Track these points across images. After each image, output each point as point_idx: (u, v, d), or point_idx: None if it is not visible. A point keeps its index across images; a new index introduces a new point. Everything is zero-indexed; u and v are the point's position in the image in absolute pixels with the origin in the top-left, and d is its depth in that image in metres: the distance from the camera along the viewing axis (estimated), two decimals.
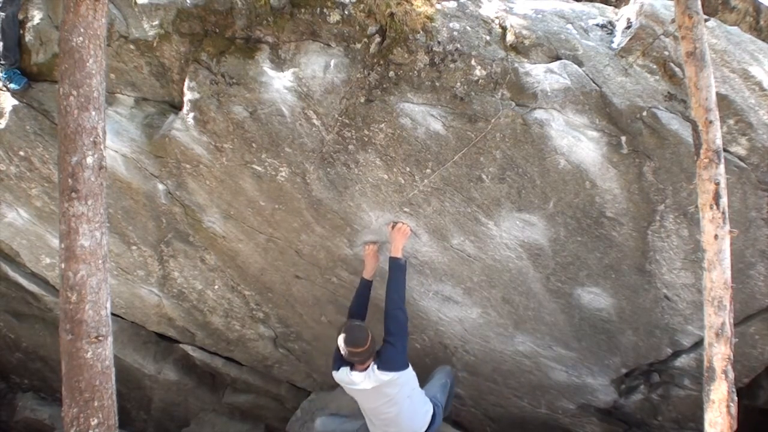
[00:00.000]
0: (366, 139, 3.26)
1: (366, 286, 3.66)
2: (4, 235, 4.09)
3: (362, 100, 3.15)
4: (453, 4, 3.12)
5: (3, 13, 3.36)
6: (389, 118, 3.17)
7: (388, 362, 3.31)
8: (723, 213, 2.72)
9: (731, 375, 2.68)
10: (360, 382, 3.34)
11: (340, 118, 3.22)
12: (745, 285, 3.49)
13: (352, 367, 3.36)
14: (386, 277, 3.52)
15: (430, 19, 3.05)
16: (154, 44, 3.28)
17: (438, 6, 3.09)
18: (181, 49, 3.27)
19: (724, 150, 2.91)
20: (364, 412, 3.59)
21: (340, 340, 3.28)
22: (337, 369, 3.44)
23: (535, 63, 3.10)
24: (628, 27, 3.11)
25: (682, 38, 2.78)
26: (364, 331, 3.28)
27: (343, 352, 3.30)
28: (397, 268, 3.48)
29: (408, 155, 3.28)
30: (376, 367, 3.30)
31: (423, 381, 3.84)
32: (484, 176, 3.31)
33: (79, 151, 2.25)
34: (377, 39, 3.06)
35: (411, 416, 3.48)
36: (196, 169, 3.56)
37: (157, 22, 3.23)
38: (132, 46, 3.31)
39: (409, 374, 3.47)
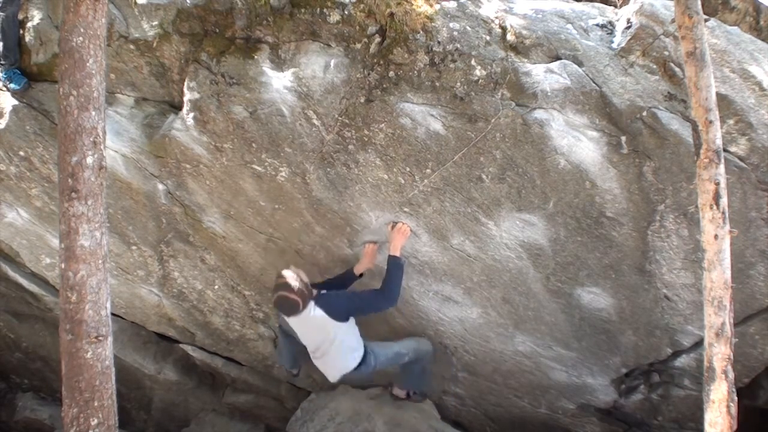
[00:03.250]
0: (366, 139, 3.26)
1: (351, 277, 3.67)
2: (4, 235, 4.09)
3: (362, 100, 3.15)
4: (453, 4, 3.12)
5: (3, 13, 3.36)
6: (389, 118, 3.17)
7: (329, 306, 3.42)
8: (723, 213, 2.72)
9: (731, 375, 2.69)
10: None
11: (340, 118, 3.22)
12: (745, 285, 3.49)
13: None
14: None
15: (430, 19, 3.05)
16: (154, 44, 3.28)
17: (438, 6, 3.09)
18: (181, 49, 3.27)
19: (724, 150, 2.91)
20: (300, 337, 3.68)
21: (276, 287, 3.37)
22: None
23: (535, 63, 3.10)
24: (628, 27, 3.11)
25: (682, 38, 2.78)
26: (294, 304, 3.35)
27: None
28: (396, 266, 3.48)
29: (408, 155, 3.28)
30: (313, 303, 3.40)
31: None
32: (484, 176, 3.31)
33: (79, 151, 2.25)
34: (377, 39, 3.06)
35: (335, 357, 3.59)
36: (196, 169, 3.55)
37: (157, 22, 3.23)
38: (132, 46, 3.31)
39: (344, 328, 3.51)
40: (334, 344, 3.52)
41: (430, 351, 4.04)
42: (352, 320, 3.58)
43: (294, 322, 3.53)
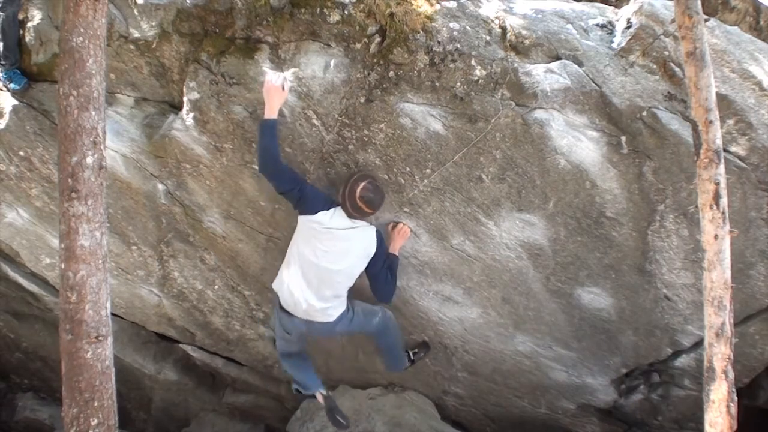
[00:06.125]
0: (366, 139, 3.26)
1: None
2: (4, 235, 4.09)
3: (362, 100, 3.15)
4: (453, 4, 3.12)
5: (3, 13, 3.36)
6: (389, 118, 3.17)
7: (381, 239, 3.32)
8: (723, 213, 2.72)
9: (731, 375, 2.69)
10: (339, 221, 3.21)
11: (340, 118, 3.22)
12: (745, 285, 3.49)
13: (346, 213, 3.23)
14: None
15: (430, 19, 3.05)
16: (154, 44, 3.28)
17: (438, 6, 3.09)
18: (181, 49, 3.27)
19: (724, 150, 2.91)
20: (303, 258, 3.32)
21: (359, 191, 3.14)
22: (315, 212, 3.21)
23: (535, 63, 3.10)
24: (628, 27, 3.11)
25: (682, 38, 2.78)
26: (383, 196, 3.23)
27: (353, 203, 3.15)
28: (397, 264, 3.48)
29: (408, 155, 3.28)
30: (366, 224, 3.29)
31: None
32: (484, 176, 3.31)
33: (79, 151, 2.25)
34: (377, 39, 3.06)
35: (342, 274, 3.32)
36: (196, 169, 3.56)
37: (156, 22, 3.23)
38: (132, 46, 3.31)
39: (358, 272, 3.36)
40: (353, 265, 3.30)
41: (391, 316, 3.83)
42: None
43: (328, 234, 3.21)
